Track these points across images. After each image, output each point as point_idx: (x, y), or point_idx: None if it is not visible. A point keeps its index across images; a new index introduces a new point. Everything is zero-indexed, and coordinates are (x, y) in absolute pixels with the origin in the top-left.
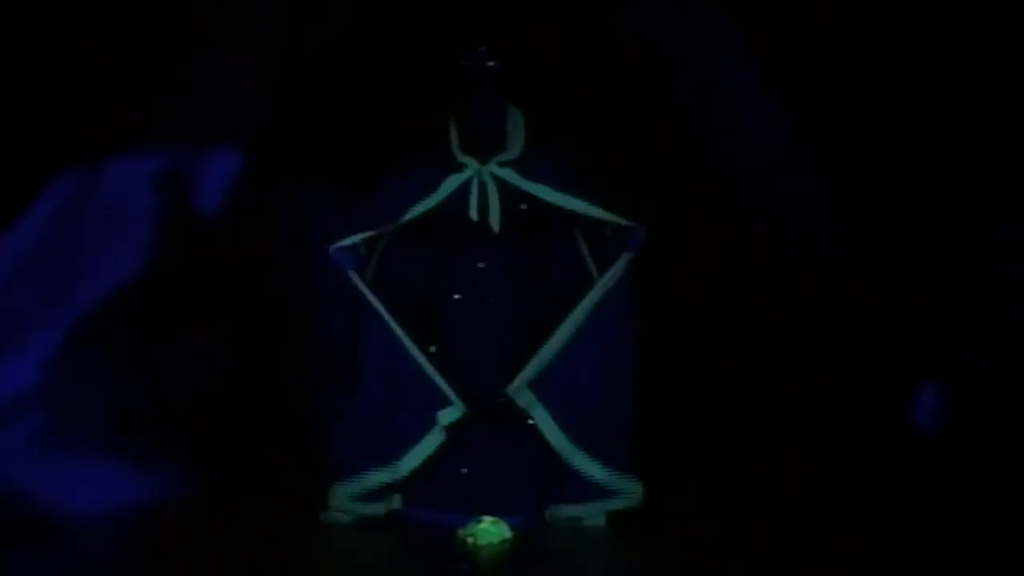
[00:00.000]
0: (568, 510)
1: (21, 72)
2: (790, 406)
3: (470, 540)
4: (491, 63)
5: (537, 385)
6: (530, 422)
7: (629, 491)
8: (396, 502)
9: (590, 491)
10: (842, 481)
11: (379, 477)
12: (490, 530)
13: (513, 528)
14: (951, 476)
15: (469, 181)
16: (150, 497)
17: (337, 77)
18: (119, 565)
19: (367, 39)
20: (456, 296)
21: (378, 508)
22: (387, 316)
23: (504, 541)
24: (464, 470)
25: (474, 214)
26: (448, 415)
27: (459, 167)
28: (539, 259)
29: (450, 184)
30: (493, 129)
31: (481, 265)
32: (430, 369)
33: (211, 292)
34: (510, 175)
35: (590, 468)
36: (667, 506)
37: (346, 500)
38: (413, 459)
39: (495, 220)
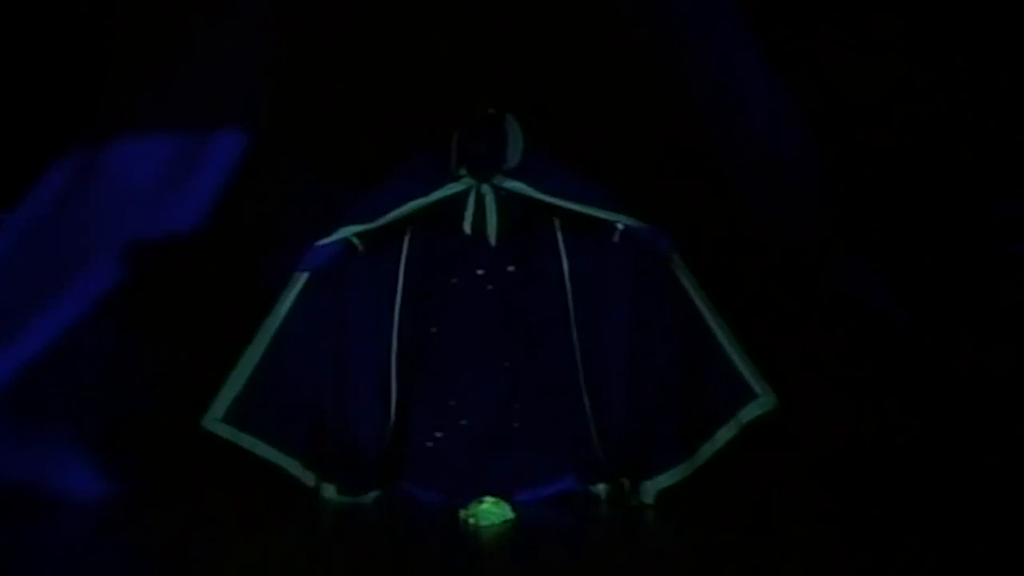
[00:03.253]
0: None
1: (22, 54)
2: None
3: (472, 521)
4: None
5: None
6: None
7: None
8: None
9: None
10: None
11: None
12: (492, 511)
13: (515, 508)
14: (954, 452)
15: (466, 194)
16: (131, 486)
17: (342, 60)
18: (105, 551)
19: (373, 26)
20: (459, 304)
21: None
22: (274, 326)
23: (506, 522)
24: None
25: (467, 227)
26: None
27: (458, 177)
28: (530, 261)
29: (445, 190)
30: (491, 153)
31: (480, 272)
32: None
33: (210, 280)
34: (510, 184)
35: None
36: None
37: None
38: None
39: (492, 234)
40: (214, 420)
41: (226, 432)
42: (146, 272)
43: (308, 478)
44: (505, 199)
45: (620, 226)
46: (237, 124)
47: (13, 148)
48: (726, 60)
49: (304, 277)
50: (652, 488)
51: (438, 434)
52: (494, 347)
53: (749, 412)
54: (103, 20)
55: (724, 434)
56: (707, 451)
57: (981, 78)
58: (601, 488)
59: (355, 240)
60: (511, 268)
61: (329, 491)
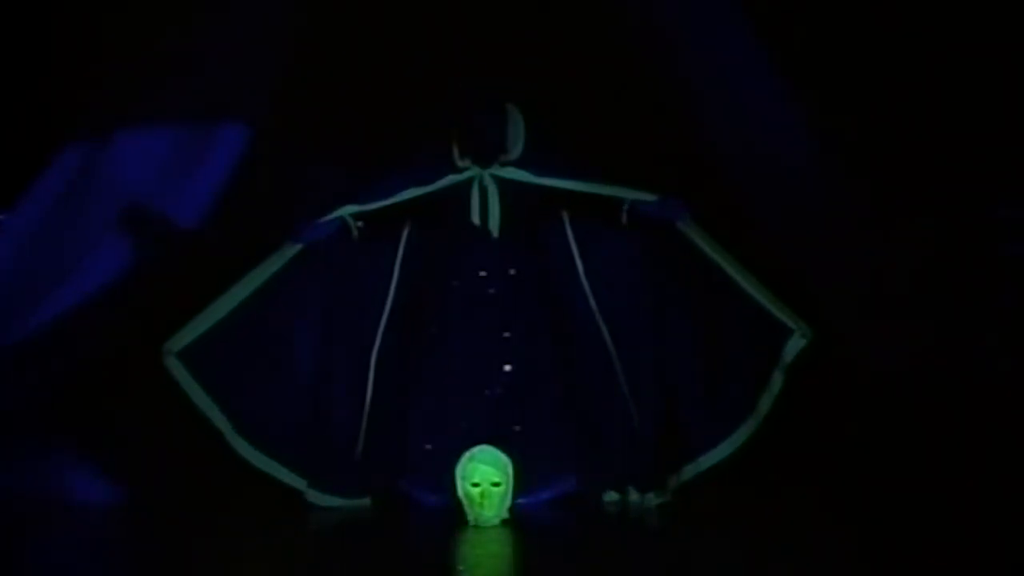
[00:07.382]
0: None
1: (22, 54)
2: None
3: (472, 522)
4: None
5: None
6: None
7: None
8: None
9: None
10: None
11: None
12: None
13: (513, 506)
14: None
15: (470, 184)
16: (130, 489)
17: (346, 57)
18: (104, 554)
19: (373, 19)
20: (460, 306)
21: None
22: (254, 284)
23: (504, 521)
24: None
25: (476, 218)
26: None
27: (461, 169)
28: (536, 257)
29: (447, 180)
30: (492, 135)
31: (483, 274)
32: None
33: (210, 278)
34: (513, 173)
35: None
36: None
37: None
38: None
39: (495, 225)
40: (170, 353)
41: (177, 371)
42: (145, 271)
43: (237, 442)
44: (508, 190)
45: (626, 205)
46: (237, 122)
47: (13, 148)
48: (729, 64)
49: (296, 248)
50: (706, 464)
51: (438, 436)
52: (495, 350)
53: (792, 348)
54: (103, 20)
55: (778, 378)
56: (766, 403)
57: (982, 79)
58: (609, 491)
59: (351, 221)
60: (512, 271)
61: (247, 450)
